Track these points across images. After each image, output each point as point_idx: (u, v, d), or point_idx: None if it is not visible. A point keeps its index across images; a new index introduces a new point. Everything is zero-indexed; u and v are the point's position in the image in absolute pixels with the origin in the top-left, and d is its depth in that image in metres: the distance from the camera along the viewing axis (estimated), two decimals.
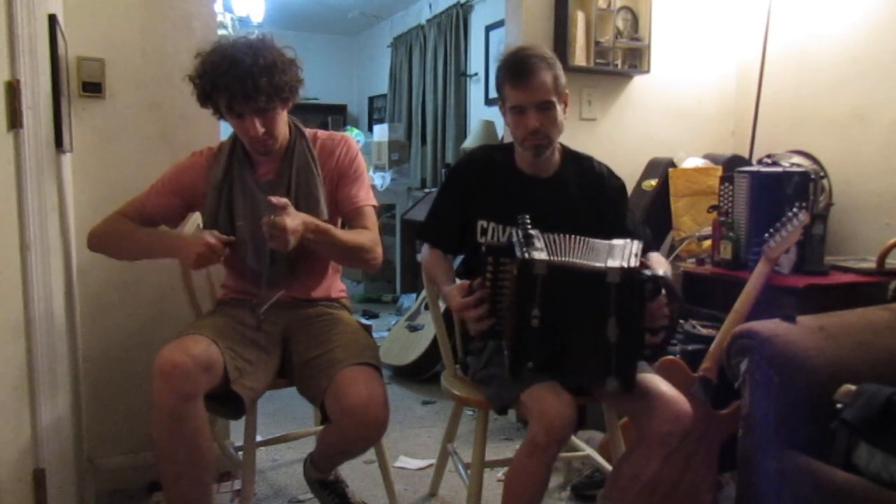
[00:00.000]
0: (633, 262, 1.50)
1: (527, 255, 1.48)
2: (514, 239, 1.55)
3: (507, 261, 1.53)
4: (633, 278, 1.49)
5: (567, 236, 1.59)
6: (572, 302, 1.51)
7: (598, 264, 1.51)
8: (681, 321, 2.29)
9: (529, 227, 1.57)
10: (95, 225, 1.85)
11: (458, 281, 1.75)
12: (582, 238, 1.60)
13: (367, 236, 1.82)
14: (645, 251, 1.68)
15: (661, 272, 1.55)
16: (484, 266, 1.55)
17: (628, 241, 1.60)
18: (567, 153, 1.90)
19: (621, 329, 1.50)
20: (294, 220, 1.59)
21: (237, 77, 1.64)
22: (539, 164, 1.85)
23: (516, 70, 1.74)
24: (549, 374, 1.58)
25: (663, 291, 1.54)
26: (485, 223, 1.85)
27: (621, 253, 1.55)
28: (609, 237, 1.63)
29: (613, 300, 1.49)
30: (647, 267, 1.56)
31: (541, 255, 1.49)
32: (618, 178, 1.95)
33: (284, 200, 1.59)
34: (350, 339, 1.81)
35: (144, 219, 1.85)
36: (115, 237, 1.82)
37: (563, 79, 1.77)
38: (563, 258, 1.52)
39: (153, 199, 1.86)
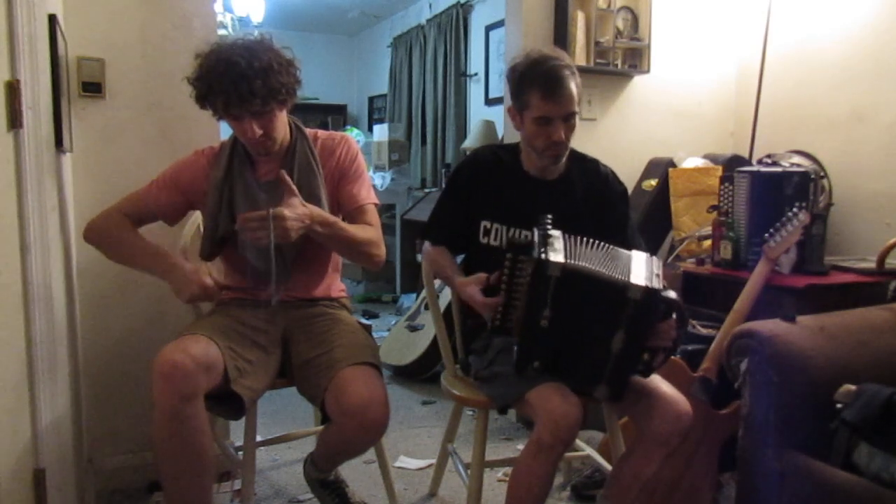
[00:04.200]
0: (656, 283, 1.51)
1: (542, 256, 1.49)
2: (534, 238, 1.55)
3: (524, 259, 1.53)
4: (652, 299, 1.50)
5: (590, 241, 1.58)
6: (585, 306, 1.52)
7: (619, 276, 1.51)
8: None
9: (550, 227, 1.57)
10: (94, 217, 1.85)
11: None
12: (604, 244, 1.59)
13: (372, 232, 1.83)
14: None
15: (674, 296, 1.56)
16: (502, 262, 1.55)
17: (650, 256, 1.61)
18: (573, 155, 1.90)
19: (626, 343, 1.51)
20: (295, 210, 1.59)
21: (232, 80, 1.63)
22: (548, 167, 1.85)
23: (549, 82, 1.71)
24: (549, 374, 1.58)
25: (674, 315, 1.55)
26: (488, 223, 1.85)
27: (644, 269, 1.55)
28: (609, 242, 1.63)
29: (628, 315, 1.50)
30: (667, 289, 1.56)
31: (557, 258, 1.49)
32: (620, 184, 1.95)
33: (293, 187, 1.61)
34: (350, 339, 1.81)
35: (143, 214, 1.85)
36: (112, 240, 1.82)
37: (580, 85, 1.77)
38: (582, 263, 1.52)
39: (153, 195, 1.86)
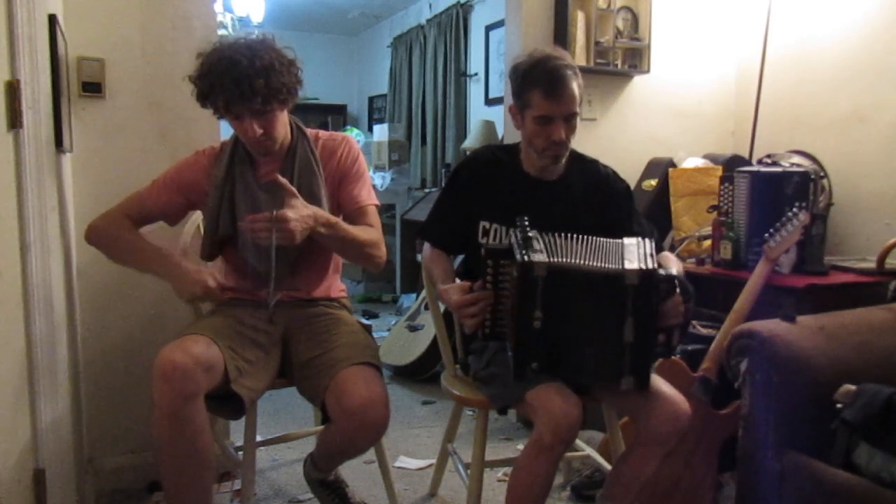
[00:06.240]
0: (651, 264, 1.51)
1: (526, 258, 1.49)
2: (513, 241, 1.55)
3: (506, 263, 1.53)
4: (651, 280, 1.49)
5: (569, 236, 1.59)
6: (581, 302, 1.51)
7: (612, 266, 1.51)
8: None
9: (528, 228, 1.57)
10: (96, 218, 1.85)
11: (457, 281, 1.75)
12: (588, 238, 1.59)
13: (374, 233, 1.83)
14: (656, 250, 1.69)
15: (674, 271, 1.57)
16: (484, 268, 1.55)
17: (640, 240, 1.61)
18: (572, 155, 1.89)
19: (637, 329, 1.51)
20: (298, 211, 1.59)
21: (234, 79, 1.64)
22: (547, 167, 1.85)
23: (551, 81, 1.71)
24: (555, 374, 1.57)
25: (678, 290, 1.55)
26: (487, 224, 1.85)
27: (637, 254, 1.55)
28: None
29: (631, 301, 1.49)
30: (663, 267, 1.56)
31: (540, 258, 1.49)
32: (622, 181, 1.95)
33: (292, 189, 1.60)
34: (350, 339, 1.81)
35: (145, 215, 1.85)
36: (113, 240, 1.82)
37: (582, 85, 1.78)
38: (564, 259, 1.52)
39: (154, 195, 1.86)
